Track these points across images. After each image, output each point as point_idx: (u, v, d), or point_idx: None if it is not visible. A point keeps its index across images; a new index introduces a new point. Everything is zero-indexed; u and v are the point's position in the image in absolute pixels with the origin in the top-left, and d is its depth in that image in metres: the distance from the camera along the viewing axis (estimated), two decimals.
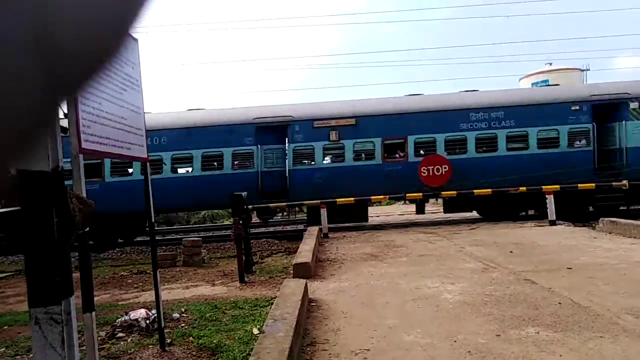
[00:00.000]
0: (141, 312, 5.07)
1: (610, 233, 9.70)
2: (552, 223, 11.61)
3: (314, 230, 11.16)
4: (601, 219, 10.61)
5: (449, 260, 7.65)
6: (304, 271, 6.84)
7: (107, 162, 13.53)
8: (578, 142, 13.79)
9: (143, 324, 4.85)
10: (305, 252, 7.92)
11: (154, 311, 4.82)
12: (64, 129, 2.89)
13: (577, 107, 13.67)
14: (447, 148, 13.69)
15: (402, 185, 13.35)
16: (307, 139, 13.68)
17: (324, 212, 12.32)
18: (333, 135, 13.66)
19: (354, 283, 6.44)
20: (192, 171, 13.90)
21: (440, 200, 15.51)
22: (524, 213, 14.55)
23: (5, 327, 5.71)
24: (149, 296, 6.94)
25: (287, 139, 13.82)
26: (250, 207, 11.25)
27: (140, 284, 8.57)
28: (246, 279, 7.65)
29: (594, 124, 13.67)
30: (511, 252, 8.04)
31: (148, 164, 4.18)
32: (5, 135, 0.56)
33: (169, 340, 4.33)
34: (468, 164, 13.43)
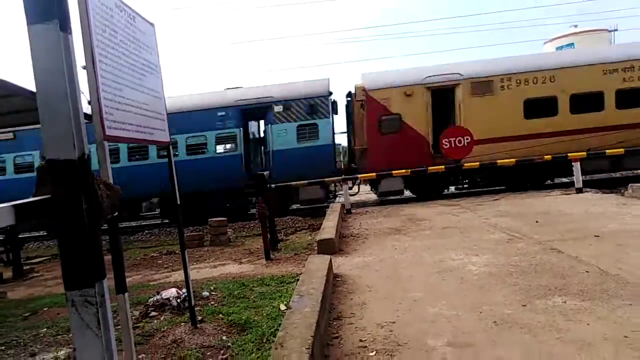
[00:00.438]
0: (172, 292, 5.23)
1: None
2: (579, 191, 11.39)
3: (336, 206, 11.22)
4: (630, 184, 10.36)
5: (473, 232, 7.61)
6: (328, 247, 6.91)
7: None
8: (226, 147, 14.59)
9: (174, 303, 5.01)
10: (328, 228, 7.99)
11: (184, 290, 4.96)
12: (87, 116, 2.96)
13: (224, 113, 14.34)
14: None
15: None
16: None
17: (346, 188, 12.41)
18: None
19: (377, 257, 6.48)
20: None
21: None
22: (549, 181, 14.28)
23: (45, 309, 5.98)
24: (178, 276, 7.14)
25: None
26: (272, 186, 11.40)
27: (170, 264, 8.81)
28: (272, 256, 7.78)
29: (241, 128, 14.32)
30: (536, 221, 7.94)
31: (171, 147, 4.25)
32: None
33: (199, 318, 4.47)
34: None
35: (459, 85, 13.66)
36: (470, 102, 13.59)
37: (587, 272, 4.79)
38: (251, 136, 16.03)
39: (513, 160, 12.62)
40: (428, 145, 13.76)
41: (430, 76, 13.78)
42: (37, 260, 11.42)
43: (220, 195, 14.49)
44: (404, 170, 12.94)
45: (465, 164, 12.93)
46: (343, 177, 13.32)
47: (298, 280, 4.87)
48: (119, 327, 2.76)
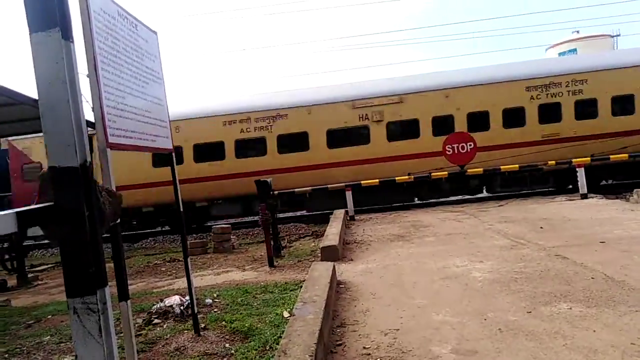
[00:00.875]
0: (175, 299, 5.22)
1: None
2: (584, 196, 11.33)
3: (340, 213, 11.19)
4: (635, 190, 10.30)
5: (477, 238, 7.58)
6: (332, 254, 6.89)
7: None
8: None
9: (177, 310, 5.00)
10: (332, 235, 7.97)
11: (187, 297, 4.95)
12: (90, 124, 2.97)
13: None
14: None
15: None
16: None
17: (349, 195, 12.38)
18: None
19: (381, 264, 6.46)
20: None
21: None
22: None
23: (49, 316, 5.97)
24: (182, 283, 7.13)
25: None
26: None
27: (174, 271, 8.80)
28: (275, 263, 7.76)
29: None
30: (541, 227, 7.90)
31: (173, 154, 4.26)
32: None
33: (202, 325, 4.45)
34: None
35: None
36: None
37: (592, 278, 4.75)
38: None
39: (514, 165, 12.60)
40: None
41: None
42: (41, 267, 11.43)
43: None
44: (406, 177, 12.95)
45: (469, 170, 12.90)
46: (345, 184, 13.31)
47: (301, 287, 4.85)
48: (122, 334, 2.75)
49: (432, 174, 13.05)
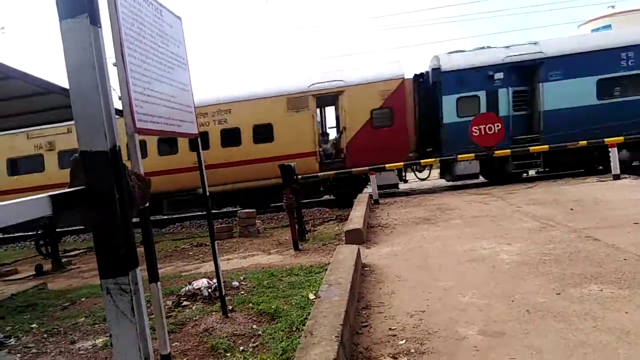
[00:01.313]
0: (203, 282, 5.34)
1: None
2: (616, 177, 11.00)
3: (364, 197, 11.17)
4: None
5: (505, 220, 7.46)
6: (356, 237, 6.90)
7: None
8: None
9: (205, 293, 5.11)
10: (356, 218, 7.97)
11: (214, 280, 5.05)
12: (118, 111, 3.02)
13: None
14: None
15: None
16: None
17: (373, 179, 12.32)
18: None
19: (406, 247, 6.44)
20: None
21: None
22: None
23: (83, 299, 6.19)
24: (209, 267, 7.27)
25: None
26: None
27: (201, 255, 8.98)
28: (300, 247, 7.83)
29: None
30: (571, 209, 7.72)
31: (199, 139, 4.31)
32: None
33: (230, 307, 4.55)
34: None
35: None
36: None
37: (624, 259, 4.63)
38: None
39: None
40: None
41: None
42: (74, 253, 11.82)
43: None
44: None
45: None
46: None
47: (326, 270, 4.89)
48: (152, 316, 2.83)
49: None
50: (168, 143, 14.33)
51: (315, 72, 14.72)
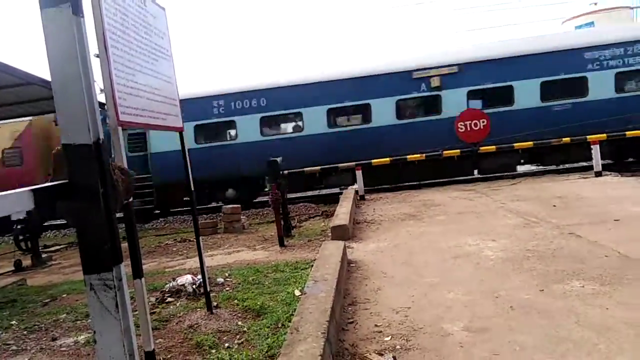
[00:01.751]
0: (187, 278, 5.28)
1: None
2: (598, 174, 11.19)
3: (350, 192, 11.18)
4: None
5: (489, 216, 7.54)
6: (342, 233, 6.90)
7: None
8: None
9: (190, 289, 5.06)
10: (342, 214, 7.97)
11: (199, 276, 5.00)
12: (101, 104, 2.96)
13: None
14: None
15: None
16: None
17: (359, 174, 12.33)
18: None
19: (392, 243, 6.46)
20: None
21: None
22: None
23: (64, 295, 6.08)
24: (193, 263, 7.21)
25: None
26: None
27: (185, 251, 8.90)
28: (285, 242, 7.80)
29: None
30: (554, 206, 7.84)
31: (184, 133, 4.25)
32: None
33: (215, 304, 4.51)
34: None
35: None
36: None
37: (606, 256, 4.71)
38: None
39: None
40: None
41: None
42: (54, 248, 11.61)
43: None
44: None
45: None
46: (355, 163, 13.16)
47: (312, 266, 4.88)
48: (137, 312, 2.78)
49: None
50: None
51: None
